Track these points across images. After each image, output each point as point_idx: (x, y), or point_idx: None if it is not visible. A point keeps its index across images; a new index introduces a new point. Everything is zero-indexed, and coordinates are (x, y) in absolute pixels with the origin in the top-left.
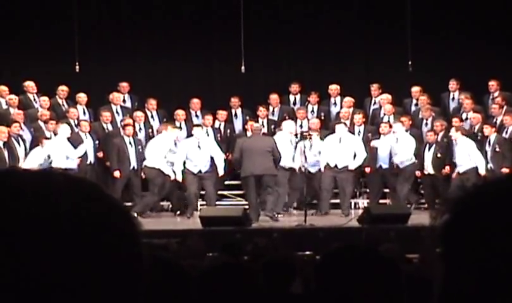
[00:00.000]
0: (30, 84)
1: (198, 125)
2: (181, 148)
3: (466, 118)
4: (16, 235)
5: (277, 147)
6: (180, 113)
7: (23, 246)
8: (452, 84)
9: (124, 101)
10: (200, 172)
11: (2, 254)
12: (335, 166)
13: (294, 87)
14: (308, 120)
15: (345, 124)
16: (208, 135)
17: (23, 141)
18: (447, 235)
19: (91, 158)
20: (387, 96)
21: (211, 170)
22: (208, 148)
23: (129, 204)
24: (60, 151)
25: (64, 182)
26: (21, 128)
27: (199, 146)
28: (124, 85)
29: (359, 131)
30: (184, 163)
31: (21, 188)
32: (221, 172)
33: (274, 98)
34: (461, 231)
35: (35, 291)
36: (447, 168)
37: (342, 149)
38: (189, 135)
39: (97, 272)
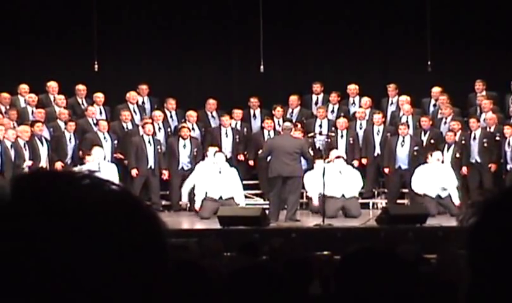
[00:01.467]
0: (52, 85)
1: (219, 151)
2: (199, 173)
3: (485, 119)
4: (41, 235)
5: (308, 148)
6: (193, 115)
7: (48, 246)
8: (478, 85)
9: (143, 103)
10: (220, 198)
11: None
12: (343, 195)
13: (316, 86)
14: (328, 120)
15: (343, 157)
16: (227, 136)
17: (46, 140)
18: (474, 238)
19: (109, 158)
20: (406, 98)
21: (231, 198)
22: (230, 175)
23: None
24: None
25: (89, 183)
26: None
27: (220, 172)
28: (144, 88)
29: (379, 131)
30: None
31: (47, 189)
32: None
33: (293, 99)
34: (488, 234)
35: (63, 290)
36: (465, 168)
37: (345, 180)
38: (202, 135)
39: (121, 271)
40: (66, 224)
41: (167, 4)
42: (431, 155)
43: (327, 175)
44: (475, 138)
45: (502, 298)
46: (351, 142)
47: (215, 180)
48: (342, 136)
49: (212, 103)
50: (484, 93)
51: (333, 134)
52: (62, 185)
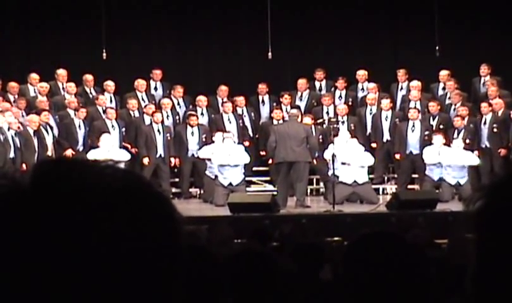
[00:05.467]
0: (61, 73)
1: (228, 134)
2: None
3: (492, 105)
4: (60, 222)
5: (312, 134)
6: (202, 100)
7: (66, 233)
8: (484, 69)
9: (155, 88)
10: (230, 184)
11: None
12: (355, 181)
13: (319, 73)
14: (335, 106)
15: (356, 137)
16: (230, 122)
17: (51, 128)
18: (480, 221)
19: (117, 145)
20: (417, 83)
21: (243, 182)
22: (238, 157)
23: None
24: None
25: (108, 171)
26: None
27: (229, 155)
28: (157, 73)
29: (387, 116)
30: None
31: (66, 177)
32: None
33: (301, 82)
34: (495, 218)
35: (81, 276)
36: (476, 153)
37: (357, 164)
38: (210, 121)
39: (138, 259)
40: (84, 211)
41: None
42: (432, 138)
43: (339, 158)
44: (485, 123)
45: (509, 280)
46: (353, 128)
47: (225, 165)
48: (343, 122)
49: (224, 89)
50: (488, 77)
51: (341, 120)
52: (80, 174)
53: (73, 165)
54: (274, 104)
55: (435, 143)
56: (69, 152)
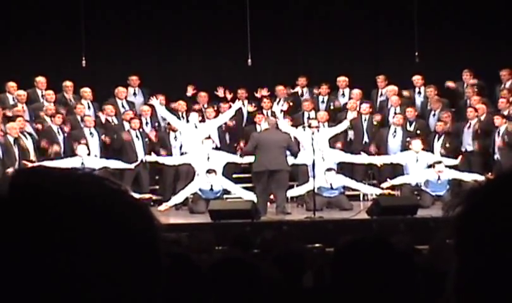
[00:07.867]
0: (40, 80)
1: (208, 138)
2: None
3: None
4: (37, 232)
5: (292, 141)
6: (182, 104)
7: (44, 242)
8: (466, 75)
9: (134, 94)
10: (211, 189)
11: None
12: (331, 186)
13: (301, 80)
14: (316, 111)
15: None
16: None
17: (30, 135)
18: (460, 226)
19: (96, 153)
20: (393, 88)
21: (222, 193)
22: (218, 161)
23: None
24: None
25: (86, 180)
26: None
27: (208, 158)
28: (134, 78)
29: (365, 119)
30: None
31: (44, 186)
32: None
33: (279, 89)
34: (475, 223)
35: (58, 286)
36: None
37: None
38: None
39: (116, 267)
40: (62, 220)
41: None
42: (411, 143)
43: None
44: (469, 127)
45: (491, 286)
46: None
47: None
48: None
49: (203, 96)
50: (471, 81)
51: (321, 126)
52: (59, 182)
53: (50, 174)
54: (257, 113)
55: (413, 148)
56: (55, 147)
